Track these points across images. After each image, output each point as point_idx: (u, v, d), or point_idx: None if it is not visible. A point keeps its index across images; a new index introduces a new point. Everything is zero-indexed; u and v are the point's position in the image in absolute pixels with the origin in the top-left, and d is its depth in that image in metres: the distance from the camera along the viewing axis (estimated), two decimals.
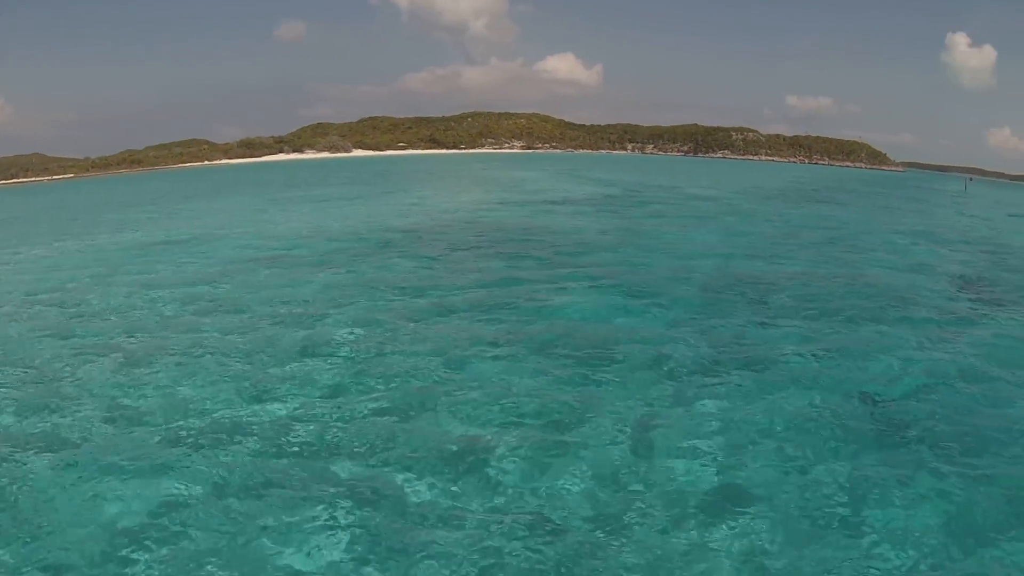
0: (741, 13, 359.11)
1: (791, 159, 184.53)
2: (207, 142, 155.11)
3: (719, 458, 7.93)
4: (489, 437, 8.24)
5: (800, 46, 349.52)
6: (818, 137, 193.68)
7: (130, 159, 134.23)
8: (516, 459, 7.68)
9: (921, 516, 6.81)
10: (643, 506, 6.93)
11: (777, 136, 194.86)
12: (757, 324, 13.87)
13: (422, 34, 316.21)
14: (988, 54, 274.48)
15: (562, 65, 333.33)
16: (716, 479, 7.52)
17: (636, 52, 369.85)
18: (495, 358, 11.22)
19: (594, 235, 25.96)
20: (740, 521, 6.68)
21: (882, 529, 6.58)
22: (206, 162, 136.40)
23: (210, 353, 11.34)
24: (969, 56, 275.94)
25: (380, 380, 10.11)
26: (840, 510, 6.91)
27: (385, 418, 8.83)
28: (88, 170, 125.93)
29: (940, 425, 8.86)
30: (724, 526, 6.60)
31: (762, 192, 55.61)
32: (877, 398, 9.95)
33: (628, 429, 8.55)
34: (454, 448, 7.96)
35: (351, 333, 12.33)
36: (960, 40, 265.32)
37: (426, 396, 9.47)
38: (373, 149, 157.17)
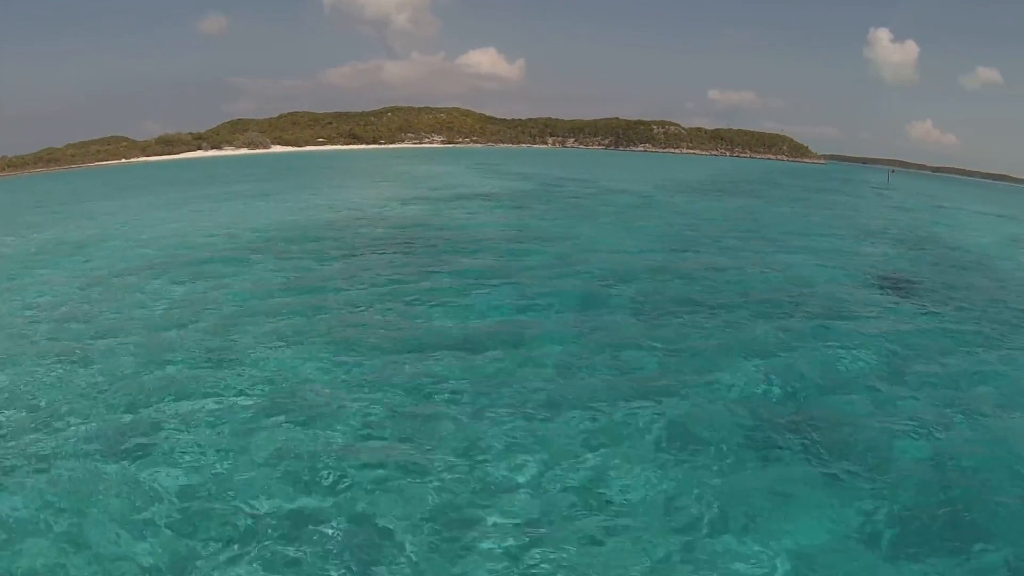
0: (665, 6, 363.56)
1: (712, 152, 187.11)
2: (126, 139, 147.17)
3: (588, 466, 7.76)
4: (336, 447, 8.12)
5: (723, 40, 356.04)
6: (740, 130, 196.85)
7: (47, 158, 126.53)
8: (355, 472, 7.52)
9: (798, 528, 6.73)
10: (490, 515, 6.82)
11: (699, 129, 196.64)
12: (645, 322, 13.42)
13: (344, 28, 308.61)
14: (910, 49, 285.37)
15: (484, 59, 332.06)
16: (582, 484, 7.39)
17: (559, 46, 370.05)
18: (346, 361, 10.96)
19: (494, 231, 24.72)
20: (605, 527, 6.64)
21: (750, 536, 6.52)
22: (124, 160, 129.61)
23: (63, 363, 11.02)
24: (892, 51, 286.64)
25: (233, 378, 10.10)
26: (706, 519, 6.82)
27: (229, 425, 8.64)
28: (3, 169, 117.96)
29: (819, 432, 8.79)
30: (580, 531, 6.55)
31: (679, 185, 54.53)
32: (764, 401, 9.80)
33: (491, 435, 8.43)
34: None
35: (215, 339, 12.02)
36: (883, 35, 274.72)
37: (280, 401, 9.36)
38: (293, 145, 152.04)
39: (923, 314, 15.21)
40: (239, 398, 9.47)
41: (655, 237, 24.29)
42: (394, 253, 20.18)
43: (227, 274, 17.37)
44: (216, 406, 9.18)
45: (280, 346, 11.56)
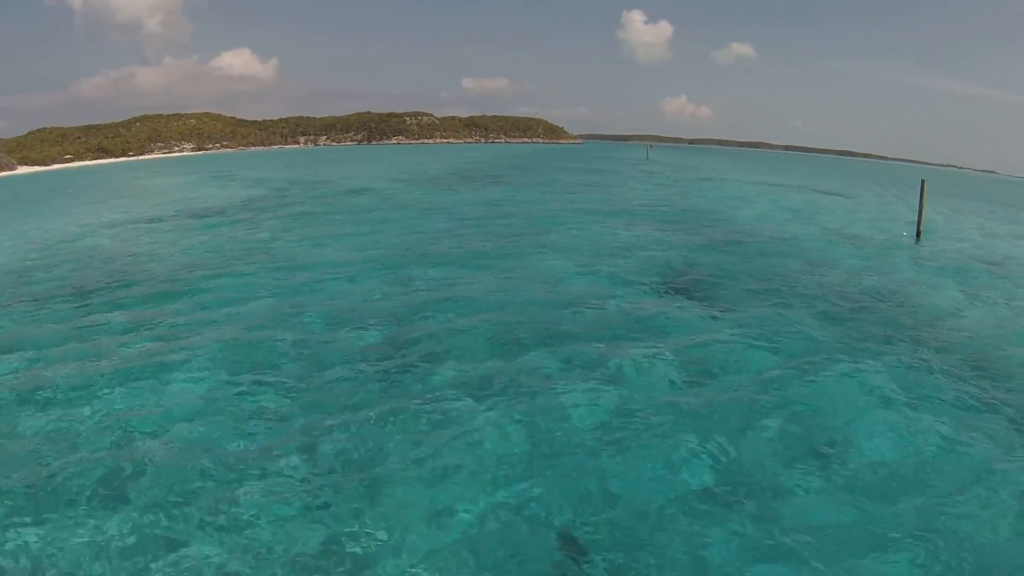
0: None
1: (467, 140, 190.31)
2: None
3: None
4: None
5: (475, 27, 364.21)
6: (495, 116, 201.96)
7: None
8: None
9: None
10: None
11: (453, 118, 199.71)
12: (347, 345, 11.78)
13: (96, 35, 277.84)
14: (664, 29, 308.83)
15: (237, 61, 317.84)
16: None
17: (313, 43, 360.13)
18: None
19: (201, 256, 21.05)
20: None
21: None
22: None
23: None
24: (645, 32, 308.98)
25: None
26: None
27: None
28: None
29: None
30: None
31: (425, 177, 52.79)
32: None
33: None
34: None
35: None
36: (636, 17, 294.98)
37: None
38: (39, 164, 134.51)
39: (712, 318, 13.66)
40: None
41: (383, 248, 21.34)
42: (69, 296, 16.07)
43: None
44: None
45: None
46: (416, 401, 9.21)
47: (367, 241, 22.62)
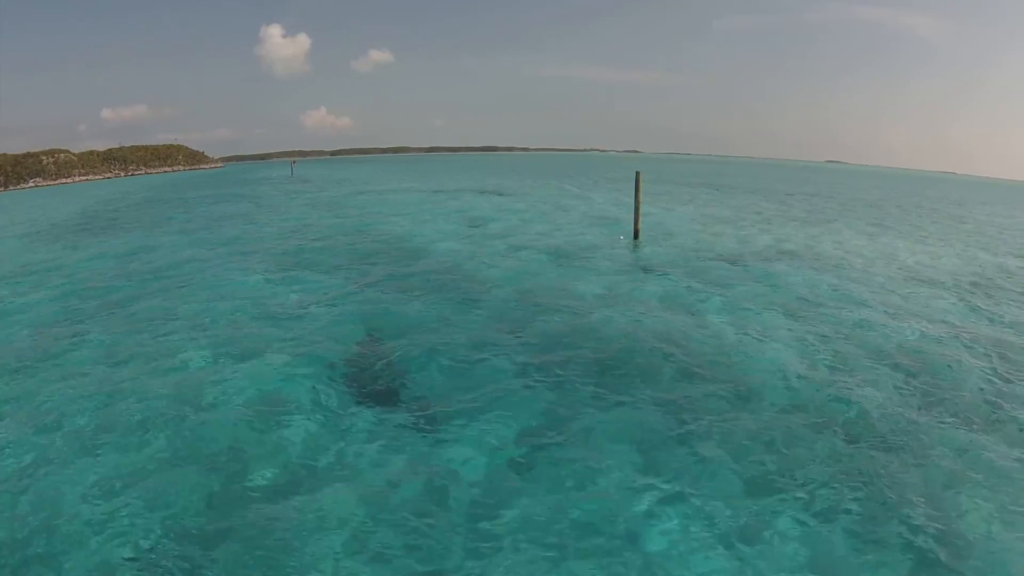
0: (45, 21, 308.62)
1: (107, 175, 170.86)
2: None
3: None
4: None
5: (111, 53, 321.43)
6: (133, 147, 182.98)
7: None
8: None
9: None
10: None
11: (91, 152, 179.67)
12: None
13: None
14: (302, 42, 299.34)
15: None
16: None
17: None
18: None
19: None
20: None
21: None
22: None
23: None
24: (283, 46, 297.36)
25: None
26: None
27: None
28: None
29: None
30: None
31: (44, 234, 40.62)
32: None
33: None
34: None
35: None
36: (275, 31, 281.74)
37: None
38: None
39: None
40: None
41: None
42: None
43: None
44: None
45: None
46: None
47: None
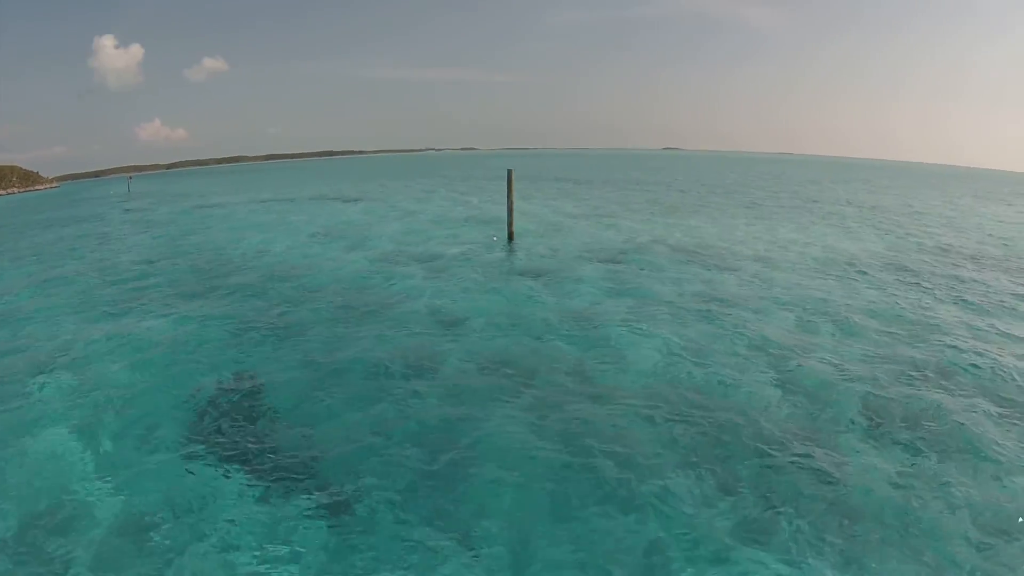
0: None
1: None
2: None
3: None
4: None
5: None
6: None
7: None
8: None
9: None
10: None
11: None
12: None
13: None
14: (136, 52, 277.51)
15: None
16: None
17: None
18: None
19: None
20: None
21: None
22: None
23: None
24: (117, 57, 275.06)
25: None
26: None
27: None
28: None
29: None
30: None
31: None
32: None
33: None
34: None
35: None
36: (108, 42, 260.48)
37: None
38: None
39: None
40: None
41: None
42: None
43: None
44: None
45: None
46: None
47: None
